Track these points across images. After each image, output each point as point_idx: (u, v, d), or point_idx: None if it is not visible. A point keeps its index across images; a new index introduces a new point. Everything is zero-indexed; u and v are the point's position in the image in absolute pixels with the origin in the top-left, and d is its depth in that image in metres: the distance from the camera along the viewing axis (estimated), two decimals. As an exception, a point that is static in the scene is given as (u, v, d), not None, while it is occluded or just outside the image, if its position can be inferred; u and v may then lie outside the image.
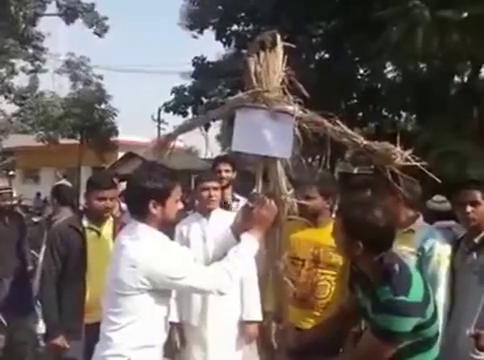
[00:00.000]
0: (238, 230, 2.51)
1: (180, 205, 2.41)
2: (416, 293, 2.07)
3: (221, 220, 3.37)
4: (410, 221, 3.12)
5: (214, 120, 2.84)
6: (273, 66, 2.54)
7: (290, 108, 2.51)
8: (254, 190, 2.63)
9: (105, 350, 2.26)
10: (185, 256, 2.40)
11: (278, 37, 2.56)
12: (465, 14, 9.32)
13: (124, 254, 2.23)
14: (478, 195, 2.91)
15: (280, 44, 2.57)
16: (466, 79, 12.03)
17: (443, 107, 10.91)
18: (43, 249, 3.95)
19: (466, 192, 2.96)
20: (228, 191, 4.21)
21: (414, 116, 13.80)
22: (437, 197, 4.85)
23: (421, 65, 11.96)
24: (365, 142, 2.42)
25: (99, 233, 3.52)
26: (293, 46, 2.59)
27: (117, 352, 2.23)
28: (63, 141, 23.72)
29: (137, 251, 2.21)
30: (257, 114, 2.55)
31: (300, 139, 2.50)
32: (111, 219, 3.63)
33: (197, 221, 3.54)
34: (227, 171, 4.18)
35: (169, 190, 2.31)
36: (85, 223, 3.50)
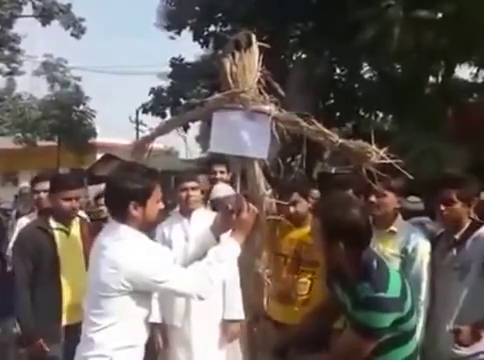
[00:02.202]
0: (218, 231, 2.51)
1: (161, 205, 2.39)
2: (394, 288, 2.10)
3: (203, 220, 3.36)
4: (393, 216, 3.16)
5: (192, 121, 2.83)
6: (249, 66, 2.55)
7: (266, 108, 2.53)
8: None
9: (87, 351, 2.24)
10: (166, 258, 2.39)
11: (253, 37, 2.57)
12: (440, 14, 9.46)
13: (106, 255, 2.21)
14: (453, 194, 2.94)
15: (255, 44, 2.58)
16: (440, 79, 12.19)
17: (418, 107, 11.05)
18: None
19: (441, 191, 3.00)
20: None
21: (390, 116, 13.96)
22: (412, 198, 4.94)
23: (396, 65, 12.11)
24: (340, 141, 2.45)
25: (68, 233, 3.49)
26: (268, 46, 2.61)
27: (99, 353, 2.22)
28: (41, 143, 23.52)
29: (119, 253, 2.19)
30: (234, 115, 2.56)
31: (278, 139, 2.52)
32: (77, 219, 3.60)
33: (178, 222, 3.54)
34: (222, 172, 4.19)
35: (150, 190, 2.28)
36: (53, 224, 3.45)
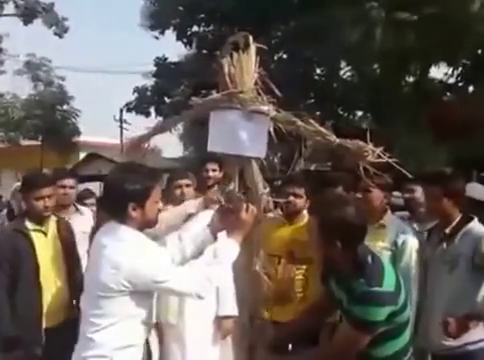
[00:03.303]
0: (215, 229, 2.52)
1: (160, 205, 2.38)
2: (389, 282, 2.17)
3: (197, 218, 3.40)
4: (383, 211, 3.24)
5: (190, 121, 2.82)
6: (246, 67, 2.58)
7: (265, 108, 2.56)
8: (230, 187, 2.66)
9: (86, 351, 2.23)
10: (165, 258, 2.38)
11: (251, 38, 2.61)
12: (418, 16, 9.61)
13: (106, 255, 2.19)
14: (439, 190, 3.03)
15: (253, 45, 2.61)
16: (417, 78, 12.38)
17: (396, 106, 11.20)
18: None
19: (428, 187, 3.11)
20: (213, 191, 4.21)
21: (369, 115, 14.12)
22: (395, 193, 5.06)
23: (374, 65, 12.24)
24: (338, 140, 2.50)
25: (45, 233, 3.41)
26: (265, 47, 2.66)
27: (99, 353, 2.20)
28: (24, 143, 23.22)
29: (120, 253, 2.18)
30: (232, 114, 2.58)
31: (275, 139, 2.56)
32: (54, 218, 3.52)
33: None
34: (214, 171, 4.12)
35: (149, 191, 2.26)
36: (29, 225, 3.36)
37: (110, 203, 2.31)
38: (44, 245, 3.35)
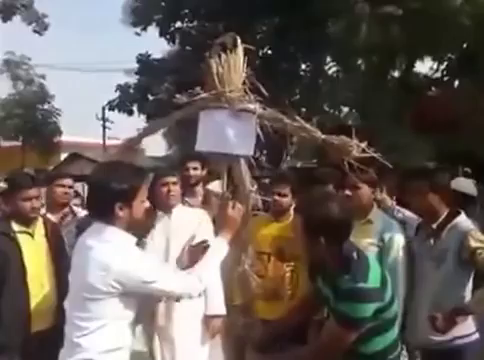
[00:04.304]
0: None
1: (147, 204, 2.32)
2: (374, 279, 2.18)
3: (183, 217, 3.41)
4: (370, 207, 3.27)
5: (179, 121, 2.79)
6: (234, 67, 2.59)
7: (251, 106, 2.58)
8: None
9: (73, 355, 2.19)
10: (153, 259, 2.39)
11: (239, 39, 2.62)
12: (402, 11, 9.66)
13: (94, 257, 2.14)
14: (426, 185, 3.04)
15: (240, 45, 2.63)
16: (402, 73, 12.47)
17: (382, 101, 11.27)
18: None
19: (414, 182, 3.10)
20: (198, 188, 4.18)
21: (354, 110, 14.19)
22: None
23: (359, 60, 12.30)
24: (323, 136, 2.53)
25: (32, 235, 3.33)
26: (252, 48, 2.67)
27: (86, 357, 2.17)
28: (5, 143, 22.86)
29: (108, 255, 2.14)
30: (220, 114, 2.60)
31: (262, 137, 2.58)
32: (41, 219, 3.44)
33: (159, 219, 3.51)
34: (195, 169, 4.11)
35: (135, 191, 2.22)
36: (15, 227, 3.26)
37: (96, 203, 2.25)
38: (31, 247, 3.28)
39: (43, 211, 3.98)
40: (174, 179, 3.44)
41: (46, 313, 3.27)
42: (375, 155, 2.46)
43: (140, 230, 2.47)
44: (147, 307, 3.24)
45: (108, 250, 2.16)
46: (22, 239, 3.26)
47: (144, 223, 2.39)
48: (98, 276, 2.12)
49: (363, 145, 2.47)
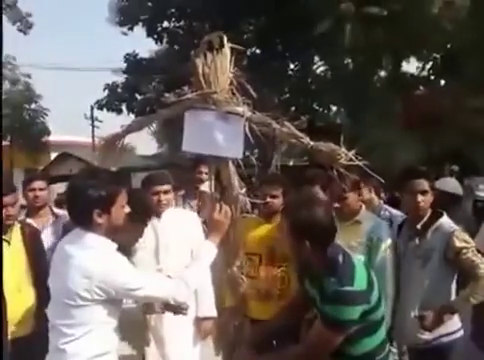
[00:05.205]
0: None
1: (127, 209, 2.28)
2: (360, 281, 2.18)
3: (173, 220, 3.38)
4: (358, 208, 3.28)
5: (167, 120, 2.76)
6: (221, 67, 2.56)
7: (240, 109, 2.56)
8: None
9: None
10: (132, 266, 2.32)
11: (225, 38, 2.59)
12: (385, 12, 9.75)
13: (75, 264, 2.11)
14: (426, 184, 3.06)
15: (227, 45, 2.60)
16: (389, 73, 12.54)
17: (370, 100, 11.34)
18: None
19: (416, 182, 3.07)
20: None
21: (343, 109, 14.25)
22: None
23: (347, 60, 12.36)
24: (312, 143, 2.53)
25: (8, 242, 3.27)
26: (241, 48, 2.65)
27: None
28: (-8, 144, 22.70)
29: (90, 262, 2.11)
30: (207, 115, 2.57)
31: (251, 140, 2.56)
32: (18, 225, 3.39)
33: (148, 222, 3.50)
34: (207, 173, 4.13)
35: (114, 197, 2.18)
36: None
37: (75, 210, 2.22)
38: (7, 254, 3.18)
39: (22, 216, 3.93)
40: (166, 188, 3.33)
41: (25, 319, 3.25)
42: (360, 164, 2.45)
43: (123, 243, 2.41)
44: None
45: (90, 257, 2.13)
46: None
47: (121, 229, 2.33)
48: (81, 283, 2.09)
49: (351, 153, 2.47)
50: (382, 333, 2.34)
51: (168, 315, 3.30)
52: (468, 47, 10.14)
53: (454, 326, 3.02)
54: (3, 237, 3.24)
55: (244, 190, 2.63)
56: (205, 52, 2.59)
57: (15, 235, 3.34)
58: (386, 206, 4.46)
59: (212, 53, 2.58)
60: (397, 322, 3.06)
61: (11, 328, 3.14)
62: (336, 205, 3.19)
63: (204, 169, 4.10)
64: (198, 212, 4.13)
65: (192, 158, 4.38)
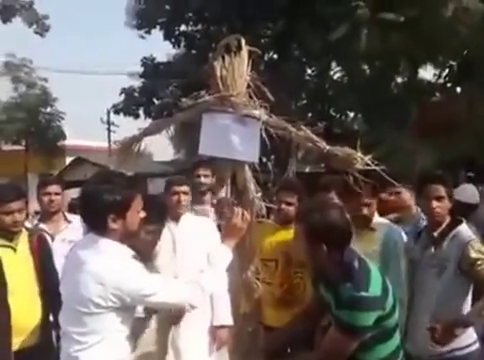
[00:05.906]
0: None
1: (142, 214, 2.25)
2: (375, 288, 2.16)
3: (191, 225, 3.40)
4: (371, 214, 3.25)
5: (184, 124, 2.77)
6: (239, 70, 2.56)
7: (256, 113, 2.55)
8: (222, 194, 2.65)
9: None
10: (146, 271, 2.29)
11: (243, 41, 2.58)
12: (402, 18, 9.71)
13: (89, 271, 2.08)
14: (442, 190, 2.98)
15: (245, 48, 2.59)
16: (406, 79, 12.49)
17: (387, 106, 11.29)
18: None
19: (432, 187, 3.00)
20: (207, 196, 4.18)
21: (360, 115, 14.18)
22: None
23: (364, 66, 12.32)
24: (328, 147, 2.51)
25: (14, 249, 3.19)
26: (258, 51, 2.64)
27: None
28: (7, 148, 22.61)
29: (104, 268, 2.08)
30: (224, 118, 2.56)
31: (268, 144, 2.54)
32: (25, 232, 3.30)
33: (166, 226, 3.51)
34: (206, 176, 4.12)
35: (129, 202, 2.16)
36: None
37: (89, 215, 2.19)
38: (13, 262, 3.15)
39: (35, 221, 3.97)
40: (185, 188, 3.44)
41: (32, 329, 3.18)
42: (377, 168, 2.43)
43: (142, 250, 2.39)
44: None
45: (104, 263, 2.10)
46: (3, 253, 3.14)
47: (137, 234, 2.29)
48: (95, 290, 2.06)
49: (367, 158, 2.45)
50: (396, 340, 2.32)
51: (184, 322, 3.29)
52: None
53: (469, 339, 2.93)
54: (8, 244, 3.19)
55: (260, 194, 2.61)
56: (223, 54, 2.58)
57: (22, 242, 3.26)
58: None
59: (230, 56, 2.57)
60: (410, 332, 3.01)
61: (18, 338, 3.08)
62: (365, 212, 3.18)
63: (203, 172, 4.09)
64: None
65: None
